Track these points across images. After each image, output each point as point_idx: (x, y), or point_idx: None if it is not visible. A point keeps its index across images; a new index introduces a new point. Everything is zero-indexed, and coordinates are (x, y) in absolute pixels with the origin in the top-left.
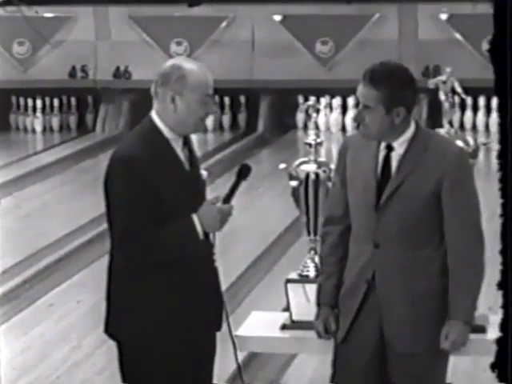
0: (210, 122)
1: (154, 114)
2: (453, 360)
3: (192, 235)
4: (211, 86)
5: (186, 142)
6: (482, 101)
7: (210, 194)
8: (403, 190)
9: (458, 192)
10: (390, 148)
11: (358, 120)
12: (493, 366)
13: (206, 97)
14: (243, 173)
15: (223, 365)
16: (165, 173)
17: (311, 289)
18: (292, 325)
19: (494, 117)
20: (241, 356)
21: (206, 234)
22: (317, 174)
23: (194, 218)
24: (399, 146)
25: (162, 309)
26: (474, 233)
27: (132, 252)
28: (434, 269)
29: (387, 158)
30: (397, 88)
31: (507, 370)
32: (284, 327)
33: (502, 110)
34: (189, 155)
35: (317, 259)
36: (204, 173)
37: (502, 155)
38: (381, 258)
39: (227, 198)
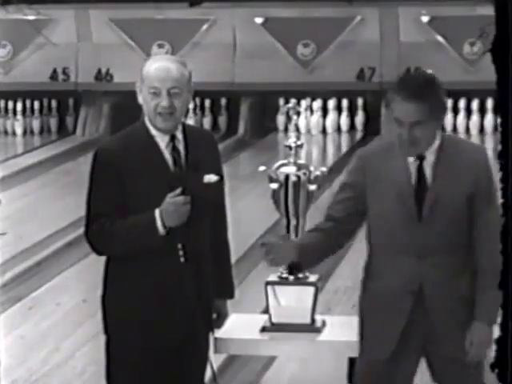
0: (190, 123)
1: None
2: None
3: (149, 228)
4: (163, 79)
5: (173, 140)
6: (462, 103)
7: None
8: (443, 199)
9: (489, 192)
10: (421, 157)
11: (410, 140)
12: (493, 366)
13: (153, 88)
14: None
15: None
16: (139, 168)
17: (291, 291)
18: (272, 327)
19: (475, 119)
20: (220, 358)
21: (168, 230)
22: (297, 177)
23: (156, 212)
24: (430, 155)
25: (126, 305)
26: (499, 231)
27: (92, 240)
28: (470, 270)
29: (420, 168)
30: (439, 96)
31: (507, 369)
32: (264, 329)
33: (503, 109)
34: (175, 154)
35: None
36: (213, 177)
37: (502, 155)
38: (427, 268)
39: (182, 192)
